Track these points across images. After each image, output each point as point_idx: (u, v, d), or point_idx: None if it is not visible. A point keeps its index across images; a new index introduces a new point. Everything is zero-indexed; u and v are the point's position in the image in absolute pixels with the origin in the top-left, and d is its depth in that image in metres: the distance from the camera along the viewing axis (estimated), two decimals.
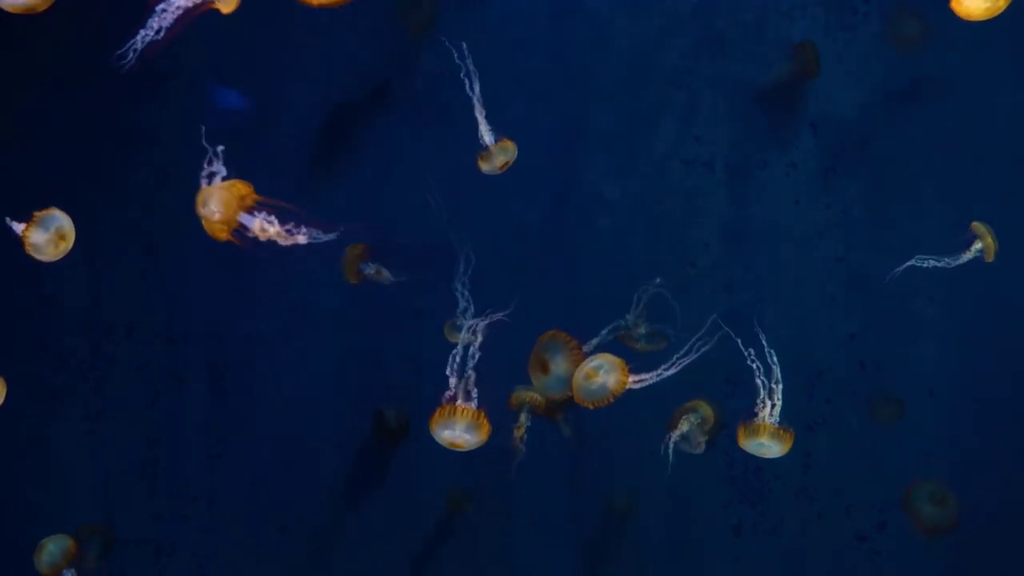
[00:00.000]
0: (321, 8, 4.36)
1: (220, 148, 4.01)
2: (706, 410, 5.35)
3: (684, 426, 5.32)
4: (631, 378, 4.59)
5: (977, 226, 5.42)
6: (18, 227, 4.65)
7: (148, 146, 6.21)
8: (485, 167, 5.30)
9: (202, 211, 4.05)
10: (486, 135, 5.20)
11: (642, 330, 5.53)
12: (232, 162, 4.07)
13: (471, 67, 5.18)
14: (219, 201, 4.06)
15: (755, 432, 4.75)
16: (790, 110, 6.20)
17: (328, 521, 6.23)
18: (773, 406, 4.71)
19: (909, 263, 5.59)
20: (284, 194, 4.27)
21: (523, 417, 4.89)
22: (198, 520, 6.22)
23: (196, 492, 6.24)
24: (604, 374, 4.59)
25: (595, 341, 5.27)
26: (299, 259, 6.24)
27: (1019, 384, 6.05)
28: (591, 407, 4.63)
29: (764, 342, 4.73)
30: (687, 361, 4.68)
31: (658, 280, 5.57)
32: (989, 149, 6.13)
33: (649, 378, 4.67)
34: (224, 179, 4.07)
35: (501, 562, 6.20)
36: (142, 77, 6.12)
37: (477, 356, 4.55)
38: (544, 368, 4.70)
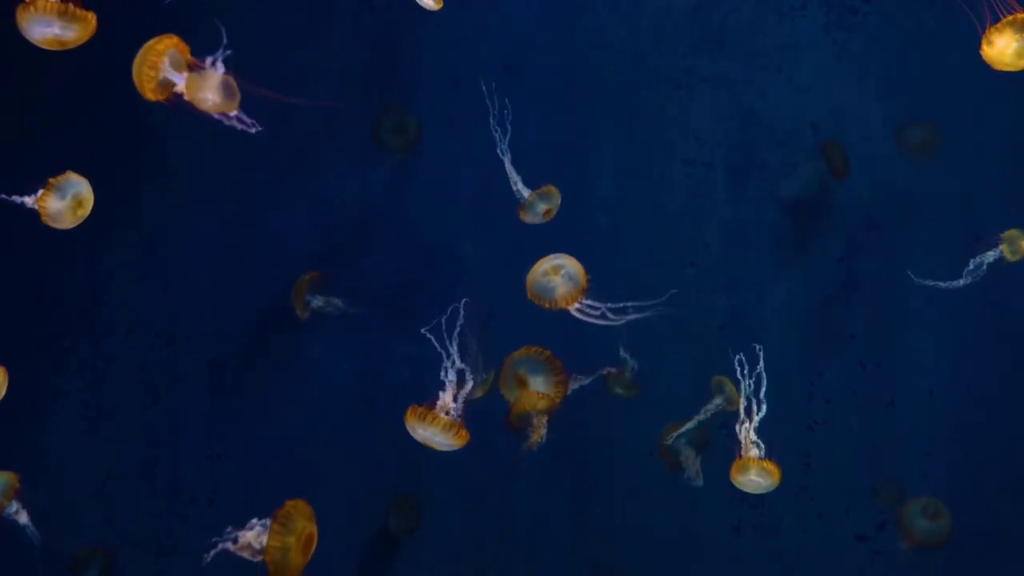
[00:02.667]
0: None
1: (224, 46, 4.00)
2: (730, 389, 5.31)
3: (682, 458, 5.32)
4: (578, 303, 4.56)
5: (1011, 233, 5.34)
6: (32, 197, 4.55)
7: (149, 147, 6.21)
8: (528, 218, 5.20)
9: (195, 95, 4.00)
10: (523, 190, 5.08)
11: (627, 373, 5.52)
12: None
13: (506, 121, 5.14)
14: (217, 90, 4.04)
15: (744, 468, 4.62)
16: (790, 110, 6.20)
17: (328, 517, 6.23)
18: (750, 426, 4.59)
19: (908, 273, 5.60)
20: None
21: (536, 420, 4.86)
22: (198, 520, 6.22)
23: (196, 492, 6.23)
24: (563, 279, 4.57)
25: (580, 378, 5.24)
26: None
27: (1019, 384, 6.05)
28: (538, 302, 4.58)
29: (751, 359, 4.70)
30: (638, 313, 4.67)
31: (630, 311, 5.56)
32: (990, 141, 6.13)
33: (593, 311, 4.65)
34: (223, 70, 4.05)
35: (500, 558, 6.20)
36: None
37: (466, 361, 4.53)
38: (522, 383, 4.66)
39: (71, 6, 4.04)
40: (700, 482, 5.39)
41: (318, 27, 6.27)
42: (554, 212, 5.19)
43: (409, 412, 4.38)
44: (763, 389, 4.71)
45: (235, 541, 4.00)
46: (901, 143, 6.01)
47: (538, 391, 4.66)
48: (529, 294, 4.64)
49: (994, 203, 6.05)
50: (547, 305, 4.66)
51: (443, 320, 4.50)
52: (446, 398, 4.44)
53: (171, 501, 6.21)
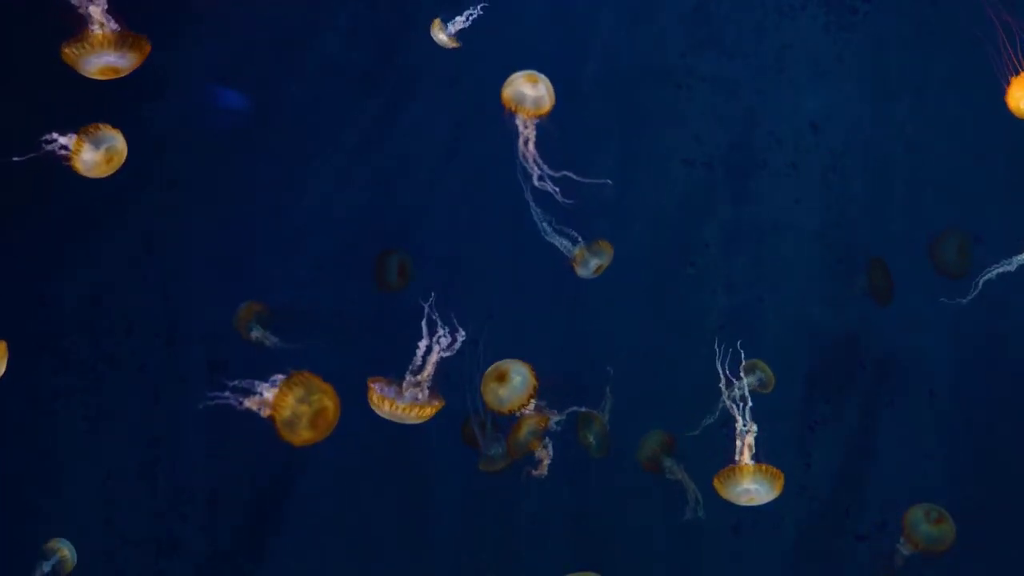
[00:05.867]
0: None
1: None
2: (765, 371, 5.26)
3: (667, 472, 5.32)
4: (530, 121, 4.60)
5: None
6: (68, 139, 4.47)
7: (149, 147, 6.21)
8: (580, 271, 5.16)
9: None
10: (570, 247, 5.04)
11: (599, 426, 5.50)
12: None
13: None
14: None
15: (735, 478, 4.24)
16: (790, 110, 6.21)
17: (329, 517, 6.24)
18: (746, 440, 4.37)
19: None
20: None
21: (539, 446, 4.84)
22: (198, 520, 6.22)
23: (196, 492, 6.24)
24: (534, 96, 4.60)
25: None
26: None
27: (1019, 384, 6.05)
28: (508, 104, 4.61)
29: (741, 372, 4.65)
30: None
31: (610, 369, 5.53)
32: (990, 139, 6.13)
33: (536, 169, 4.68)
34: None
35: (500, 557, 6.20)
36: (144, 79, 6.15)
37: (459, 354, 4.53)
38: (503, 378, 4.62)
39: (128, 34, 3.99)
40: (702, 514, 5.37)
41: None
42: (605, 267, 5.16)
43: (370, 392, 4.37)
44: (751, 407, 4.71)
45: (245, 395, 3.92)
46: (938, 261, 5.91)
47: (519, 394, 4.63)
48: (504, 95, 4.68)
49: (995, 204, 6.05)
50: (513, 108, 4.71)
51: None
52: (416, 371, 4.44)
53: (171, 501, 6.22)
